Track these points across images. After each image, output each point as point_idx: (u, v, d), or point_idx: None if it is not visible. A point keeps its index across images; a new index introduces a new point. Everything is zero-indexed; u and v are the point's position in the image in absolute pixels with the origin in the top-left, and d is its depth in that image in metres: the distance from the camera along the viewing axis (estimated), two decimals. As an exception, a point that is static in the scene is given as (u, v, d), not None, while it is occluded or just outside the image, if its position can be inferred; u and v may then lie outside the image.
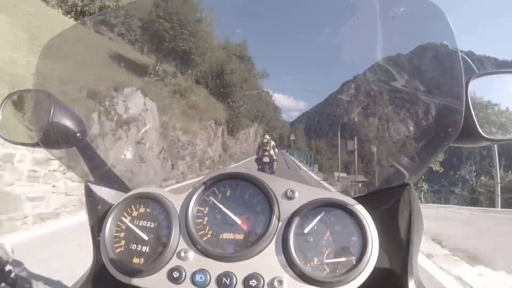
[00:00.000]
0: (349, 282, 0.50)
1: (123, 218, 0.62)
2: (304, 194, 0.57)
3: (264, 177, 0.60)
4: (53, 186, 5.48)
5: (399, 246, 0.53)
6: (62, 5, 15.96)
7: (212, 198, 0.61)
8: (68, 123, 0.72)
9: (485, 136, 0.57)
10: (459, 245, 4.26)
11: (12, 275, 0.68)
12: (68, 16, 15.57)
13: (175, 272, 0.54)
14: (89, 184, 0.67)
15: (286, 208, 0.57)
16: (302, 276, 0.51)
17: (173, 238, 0.57)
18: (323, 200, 0.56)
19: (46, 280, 1.10)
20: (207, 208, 0.60)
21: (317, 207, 0.56)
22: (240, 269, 0.53)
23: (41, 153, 5.02)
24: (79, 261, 1.79)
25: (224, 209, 0.59)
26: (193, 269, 0.54)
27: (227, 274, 0.53)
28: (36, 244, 4.06)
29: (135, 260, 0.58)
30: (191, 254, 0.56)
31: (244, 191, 0.61)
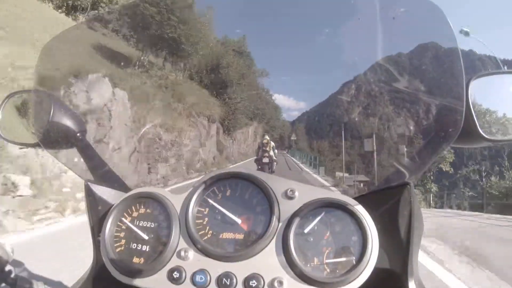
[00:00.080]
0: (349, 283, 0.50)
1: (123, 218, 0.62)
2: (304, 194, 0.57)
3: (264, 177, 0.60)
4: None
5: (399, 246, 0.53)
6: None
7: (212, 198, 0.61)
8: (68, 123, 0.72)
9: (485, 136, 0.58)
10: None
11: (12, 275, 0.68)
12: (59, 11, 14.87)
13: (175, 272, 0.54)
14: (89, 184, 0.67)
15: (286, 208, 0.57)
16: (302, 277, 0.51)
17: (173, 238, 0.57)
18: (323, 200, 0.56)
19: (46, 280, 1.10)
20: (207, 208, 0.60)
21: (317, 207, 0.56)
22: (240, 270, 0.53)
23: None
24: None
25: (224, 209, 0.59)
26: (193, 269, 0.54)
27: (227, 275, 0.53)
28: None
29: (135, 260, 0.58)
30: (191, 254, 0.56)
31: (244, 190, 0.61)
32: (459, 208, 14.40)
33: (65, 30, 0.83)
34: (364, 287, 0.51)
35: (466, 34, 14.64)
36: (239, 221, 0.58)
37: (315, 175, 4.36)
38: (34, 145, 0.77)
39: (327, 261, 0.53)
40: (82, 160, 0.74)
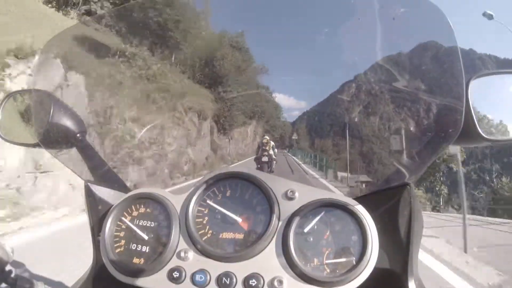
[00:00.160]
0: (349, 282, 0.50)
1: (123, 218, 0.62)
2: (304, 195, 0.57)
3: (265, 177, 0.60)
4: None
5: (399, 246, 0.53)
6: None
7: (212, 198, 0.61)
8: (68, 123, 0.72)
9: (485, 136, 0.58)
10: None
11: (13, 275, 0.68)
12: (49, 5, 13.84)
13: (175, 272, 0.54)
14: (89, 184, 0.67)
15: (286, 208, 0.57)
16: (302, 276, 0.51)
17: (173, 238, 0.57)
18: (323, 201, 0.56)
19: (47, 280, 1.10)
20: (207, 208, 0.60)
21: (317, 207, 0.56)
22: (240, 269, 0.53)
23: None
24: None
25: (224, 209, 0.59)
26: (193, 269, 0.54)
27: (227, 274, 0.53)
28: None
29: (135, 260, 0.58)
30: (191, 254, 0.56)
31: (244, 191, 0.61)
32: (473, 212, 13.54)
33: (65, 29, 0.82)
34: (364, 287, 0.51)
35: (490, 17, 13.95)
36: (239, 220, 0.58)
37: (322, 180, 3.52)
38: (34, 145, 0.77)
39: (327, 261, 0.53)
40: (82, 160, 0.74)
